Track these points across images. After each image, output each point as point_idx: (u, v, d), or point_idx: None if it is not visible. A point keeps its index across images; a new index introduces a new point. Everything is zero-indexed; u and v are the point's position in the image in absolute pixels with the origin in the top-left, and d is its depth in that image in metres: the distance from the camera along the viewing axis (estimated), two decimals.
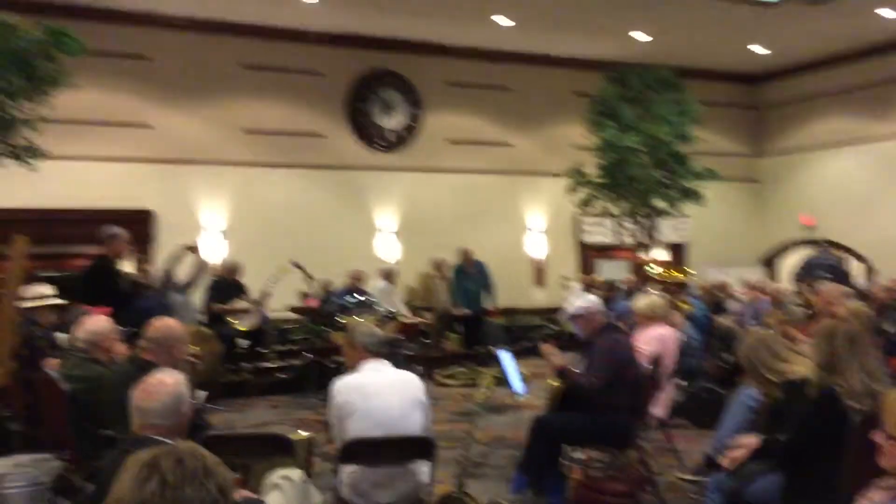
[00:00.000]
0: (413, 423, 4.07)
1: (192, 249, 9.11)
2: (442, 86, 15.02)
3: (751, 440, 4.15)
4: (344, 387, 4.02)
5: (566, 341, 6.01)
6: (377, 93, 14.59)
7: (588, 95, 13.76)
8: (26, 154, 7.50)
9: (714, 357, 8.34)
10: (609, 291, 11.70)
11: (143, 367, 4.01)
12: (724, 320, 9.34)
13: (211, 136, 13.28)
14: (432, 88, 14.95)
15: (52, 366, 5.15)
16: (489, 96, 15.33)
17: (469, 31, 13.90)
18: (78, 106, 10.58)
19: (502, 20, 13.09)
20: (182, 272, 9.00)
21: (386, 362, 4.19)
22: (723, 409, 5.82)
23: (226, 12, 12.68)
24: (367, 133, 14.51)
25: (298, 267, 8.98)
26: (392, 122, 14.69)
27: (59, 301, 6.13)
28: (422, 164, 14.73)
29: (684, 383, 8.09)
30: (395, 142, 14.74)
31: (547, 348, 5.32)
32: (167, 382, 2.88)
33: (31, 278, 8.75)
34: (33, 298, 6.17)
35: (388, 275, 10.53)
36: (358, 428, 3.91)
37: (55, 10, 10.50)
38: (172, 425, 2.82)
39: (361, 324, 4.50)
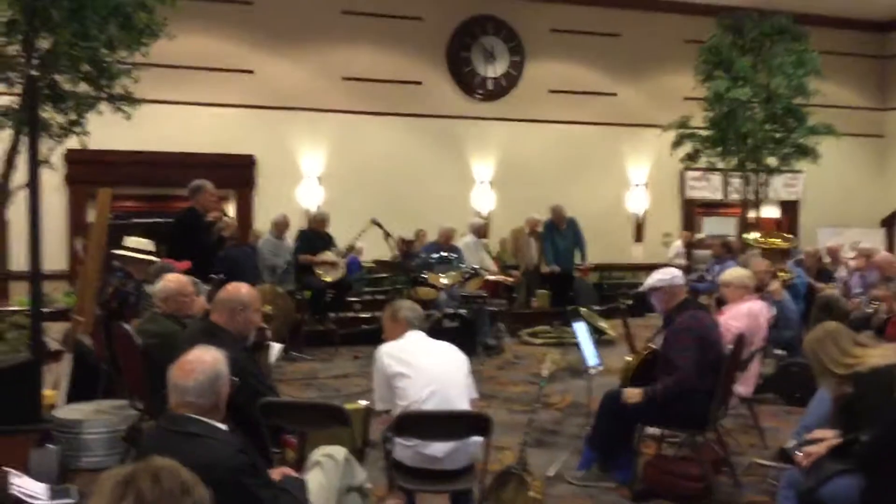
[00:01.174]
0: (459, 380, 4.08)
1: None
2: (546, 32, 14.58)
3: (830, 436, 3.88)
4: (389, 350, 4.10)
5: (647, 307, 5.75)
6: (478, 40, 14.29)
7: (700, 43, 13.02)
8: (122, 102, 7.64)
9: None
10: (722, 249, 10.89)
11: (210, 330, 4.06)
12: (828, 289, 8.82)
13: (310, 82, 13.35)
14: (536, 35, 14.54)
15: (134, 322, 5.29)
16: (594, 43, 14.79)
17: None
18: (181, 51, 10.74)
19: None
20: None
21: (423, 334, 4.28)
22: (814, 386, 5.50)
23: None
24: (467, 81, 14.28)
25: (378, 224, 8.96)
26: (493, 70, 14.39)
27: (151, 257, 6.25)
28: (522, 114, 14.41)
29: (782, 353, 7.72)
30: (495, 90, 14.46)
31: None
32: (205, 360, 2.86)
33: (132, 227, 9.11)
34: (129, 250, 6.31)
35: (478, 230, 10.40)
36: (410, 386, 3.93)
37: None
38: (208, 404, 2.81)
39: (405, 301, 4.61)
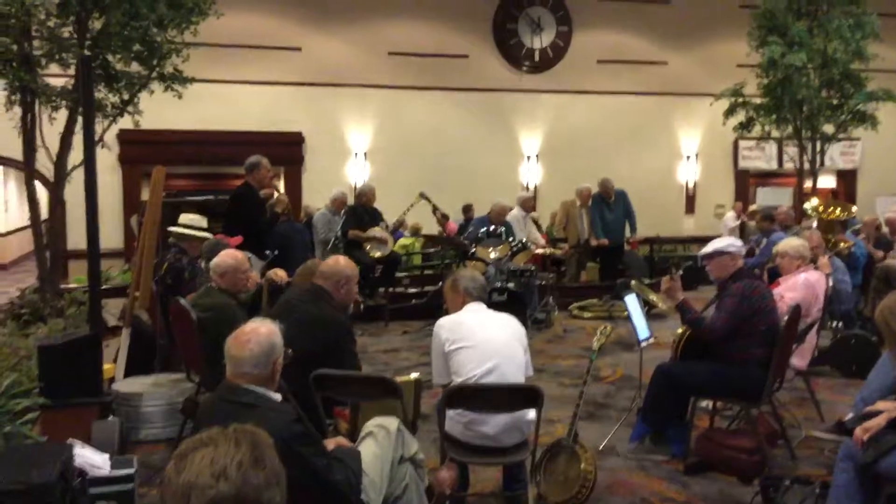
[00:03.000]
0: (517, 356, 4.02)
1: None
2: (593, 2, 14.39)
3: (890, 407, 3.78)
4: (448, 323, 4.04)
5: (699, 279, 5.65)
6: (525, 10, 14.16)
7: (754, 8, 12.69)
8: (173, 81, 7.76)
9: (873, 301, 7.70)
10: (765, 222, 10.81)
11: (320, 294, 4.26)
12: (888, 259, 8.58)
13: (357, 58, 13.37)
14: (583, 4, 14.36)
15: (189, 296, 5.37)
16: (643, 11, 14.54)
17: None
18: (229, 30, 10.88)
19: None
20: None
21: (484, 305, 4.19)
22: (873, 358, 5.38)
23: None
24: (514, 54, 14.17)
25: (426, 198, 8.97)
26: (539, 41, 14.25)
27: (204, 233, 6.33)
28: (570, 86, 14.28)
29: (839, 325, 7.58)
30: (542, 62, 14.33)
31: (668, 283, 5.02)
32: (260, 332, 2.89)
33: (185, 205, 9.23)
34: (183, 227, 6.42)
35: (524, 203, 10.31)
36: (468, 361, 3.89)
37: None
38: (263, 374, 2.84)
39: (466, 270, 4.46)
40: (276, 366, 2.92)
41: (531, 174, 14.20)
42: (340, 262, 4.42)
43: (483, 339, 3.95)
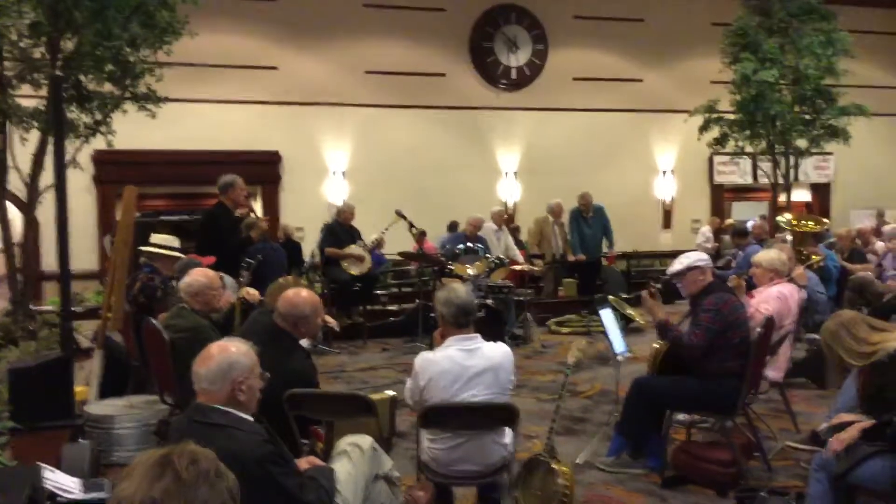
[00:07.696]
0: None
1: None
2: (569, 20, 14.49)
3: (862, 419, 3.81)
4: (427, 367, 3.80)
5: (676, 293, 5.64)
6: (501, 29, 14.25)
7: (726, 26, 12.84)
8: (146, 101, 7.73)
9: None
10: (737, 237, 10.93)
11: (278, 337, 3.99)
12: (861, 272, 8.68)
13: (334, 77, 13.38)
14: (559, 23, 14.46)
15: (162, 316, 5.33)
16: (619, 29, 14.67)
17: None
18: (205, 49, 10.86)
19: None
20: None
21: (475, 337, 3.86)
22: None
23: None
24: (490, 72, 14.24)
25: (402, 216, 8.95)
26: (516, 59, 14.34)
27: (176, 253, 6.29)
28: (547, 103, 14.35)
29: (815, 337, 7.63)
30: (519, 80, 14.40)
31: (648, 298, 5.04)
32: (228, 350, 2.86)
33: (159, 225, 9.16)
34: (155, 247, 6.36)
35: (496, 216, 10.29)
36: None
37: None
38: (221, 392, 2.78)
39: (443, 289, 4.06)
40: (238, 385, 2.83)
41: (509, 191, 14.25)
42: (299, 298, 4.01)
43: (458, 396, 3.71)
